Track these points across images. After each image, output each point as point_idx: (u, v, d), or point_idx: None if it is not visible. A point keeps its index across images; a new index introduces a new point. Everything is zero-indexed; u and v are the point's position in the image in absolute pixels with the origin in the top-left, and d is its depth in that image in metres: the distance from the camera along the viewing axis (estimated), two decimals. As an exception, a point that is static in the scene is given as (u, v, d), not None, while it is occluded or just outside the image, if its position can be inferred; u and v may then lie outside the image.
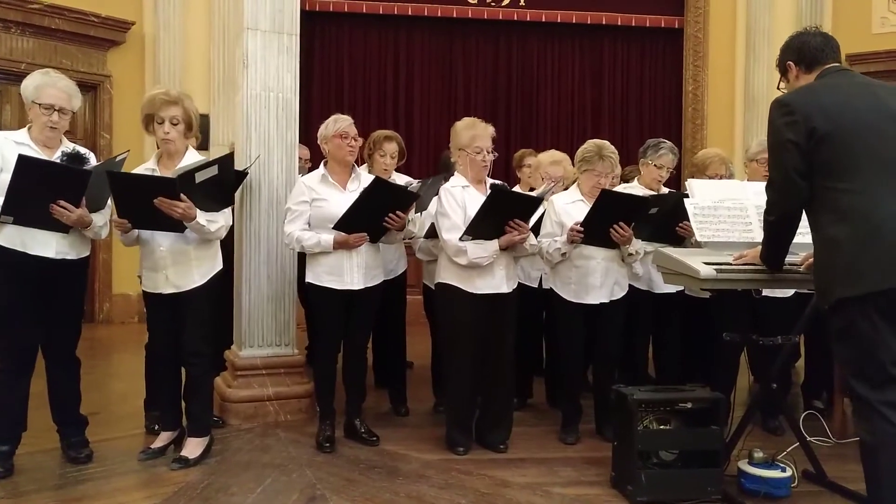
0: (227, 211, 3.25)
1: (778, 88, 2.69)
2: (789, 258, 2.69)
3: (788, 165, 2.35)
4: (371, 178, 3.46)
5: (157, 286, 3.15)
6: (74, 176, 2.90)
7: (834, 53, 2.49)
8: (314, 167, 3.71)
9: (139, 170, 3.19)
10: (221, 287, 3.38)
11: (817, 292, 2.39)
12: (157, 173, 3.13)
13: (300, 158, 4.47)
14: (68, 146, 3.06)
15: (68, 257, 3.01)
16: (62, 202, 2.85)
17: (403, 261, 4.13)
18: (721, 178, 3.96)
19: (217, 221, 3.15)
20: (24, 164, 2.75)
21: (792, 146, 2.33)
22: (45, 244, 2.94)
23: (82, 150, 3.09)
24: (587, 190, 3.53)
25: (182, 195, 2.93)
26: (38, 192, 2.82)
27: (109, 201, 3.10)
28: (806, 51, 2.50)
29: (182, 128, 3.13)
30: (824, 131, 2.28)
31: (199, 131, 3.39)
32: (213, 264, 3.21)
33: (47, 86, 2.96)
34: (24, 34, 6.37)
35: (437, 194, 3.47)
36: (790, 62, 2.55)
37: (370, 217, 3.27)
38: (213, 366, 3.44)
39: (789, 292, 3.63)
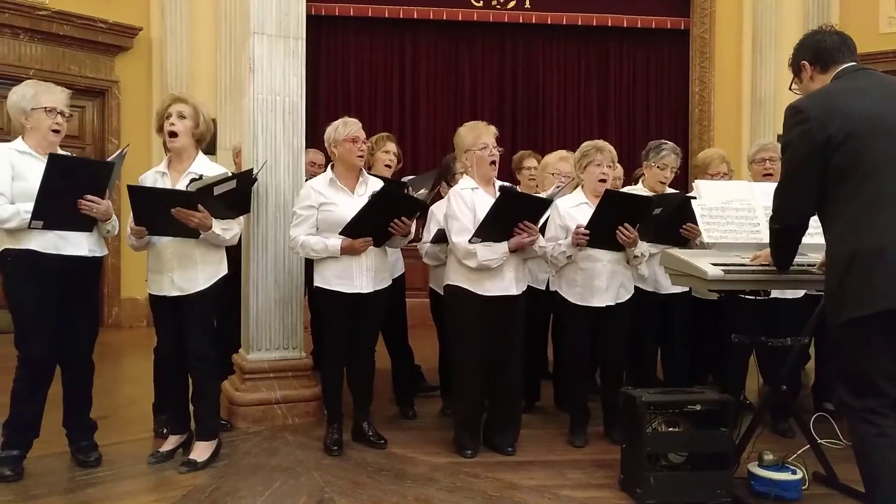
0: (241, 217, 3.27)
1: (790, 89, 2.59)
2: (801, 258, 2.67)
3: (799, 175, 2.30)
4: (378, 182, 3.47)
5: (161, 288, 3.17)
6: (101, 168, 2.97)
7: (850, 53, 2.38)
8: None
9: (149, 173, 3.24)
10: (229, 291, 3.39)
11: (829, 308, 2.32)
12: (168, 177, 3.17)
13: (313, 164, 4.49)
14: (64, 154, 3.08)
15: (97, 254, 3.07)
16: (89, 196, 2.90)
17: (400, 263, 4.13)
18: (722, 176, 3.96)
19: (232, 229, 3.18)
20: (55, 161, 2.80)
21: (804, 155, 2.25)
22: (78, 244, 2.98)
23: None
24: (592, 187, 3.52)
25: (199, 206, 2.97)
26: (67, 190, 2.86)
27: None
28: (822, 50, 2.39)
29: (189, 124, 3.15)
30: (841, 137, 2.18)
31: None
32: (218, 268, 3.22)
33: (45, 91, 2.99)
34: (32, 40, 6.42)
35: (431, 189, 3.44)
36: (804, 62, 2.43)
37: (376, 223, 3.28)
38: (219, 369, 3.44)
39: (799, 293, 3.61)
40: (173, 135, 3.14)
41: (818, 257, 2.76)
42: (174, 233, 3.07)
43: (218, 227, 3.08)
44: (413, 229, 3.47)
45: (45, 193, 2.80)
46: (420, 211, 3.44)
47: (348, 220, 3.24)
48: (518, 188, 4.35)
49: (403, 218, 3.29)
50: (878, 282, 2.12)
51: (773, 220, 2.48)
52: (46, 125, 2.98)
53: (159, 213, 2.98)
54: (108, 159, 3.10)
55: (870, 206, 2.16)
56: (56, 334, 3.00)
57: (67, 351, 3.09)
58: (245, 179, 3.26)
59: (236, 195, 3.17)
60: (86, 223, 2.97)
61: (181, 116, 3.13)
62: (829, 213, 2.28)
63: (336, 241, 3.28)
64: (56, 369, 3.08)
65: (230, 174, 3.17)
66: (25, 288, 2.92)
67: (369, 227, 3.28)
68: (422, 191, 3.92)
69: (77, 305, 3.06)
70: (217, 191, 3.03)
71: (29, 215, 2.83)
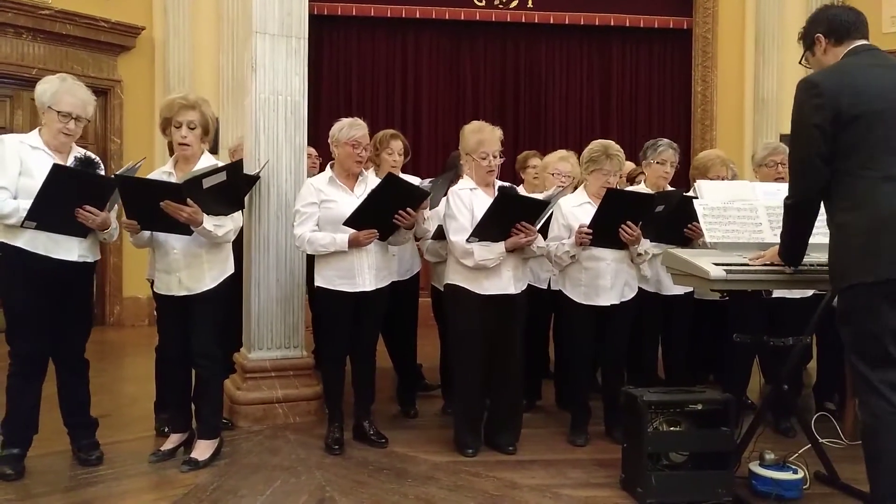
0: (237, 214, 3.26)
1: (800, 63, 2.62)
2: (805, 258, 2.66)
3: (811, 149, 2.32)
4: (378, 181, 3.46)
5: (169, 288, 3.17)
6: (103, 184, 2.98)
7: (864, 30, 2.42)
8: (324, 163, 3.71)
9: (156, 173, 3.24)
10: (231, 290, 3.39)
11: (831, 276, 2.36)
12: (174, 177, 3.16)
13: (309, 156, 4.47)
14: (79, 151, 3.10)
15: (88, 260, 3.07)
16: (87, 207, 2.91)
17: (418, 261, 4.13)
18: (723, 180, 3.95)
19: (225, 226, 3.15)
20: (58, 173, 2.81)
21: (816, 129, 2.29)
22: (69, 249, 2.99)
23: (92, 155, 3.14)
24: (595, 190, 3.52)
25: (189, 200, 2.95)
26: (66, 198, 2.87)
27: (116, 205, 3.14)
28: (837, 23, 2.42)
29: (199, 132, 3.16)
30: (852, 114, 2.24)
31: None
32: (224, 267, 3.23)
33: (66, 93, 2.99)
34: (35, 40, 6.43)
35: (445, 193, 3.46)
36: (819, 34, 2.46)
37: (381, 214, 3.26)
38: (222, 368, 3.45)
39: (808, 293, 3.59)
40: (185, 145, 3.14)
41: (822, 257, 2.77)
42: (166, 228, 3.06)
43: (209, 223, 3.06)
44: (426, 220, 3.45)
45: (42, 199, 2.81)
46: (424, 200, 3.41)
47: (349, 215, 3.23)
48: (522, 187, 4.36)
49: (409, 209, 3.28)
50: (881, 251, 2.18)
51: (787, 198, 2.49)
52: (56, 127, 2.99)
53: (149, 205, 2.96)
54: (118, 173, 3.07)
55: (874, 180, 2.23)
56: (47, 330, 3.00)
57: (60, 349, 3.09)
58: (235, 172, 3.20)
59: (228, 189, 3.11)
60: (81, 230, 2.97)
61: (191, 127, 3.13)
62: (835, 187, 2.33)
63: (343, 236, 3.28)
64: (50, 367, 3.09)
65: (219, 165, 3.14)
66: (14, 285, 2.93)
67: (373, 218, 3.26)
68: (425, 182, 3.88)
69: (68, 307, 3.06)
70: (206, 183, 2.98)
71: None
